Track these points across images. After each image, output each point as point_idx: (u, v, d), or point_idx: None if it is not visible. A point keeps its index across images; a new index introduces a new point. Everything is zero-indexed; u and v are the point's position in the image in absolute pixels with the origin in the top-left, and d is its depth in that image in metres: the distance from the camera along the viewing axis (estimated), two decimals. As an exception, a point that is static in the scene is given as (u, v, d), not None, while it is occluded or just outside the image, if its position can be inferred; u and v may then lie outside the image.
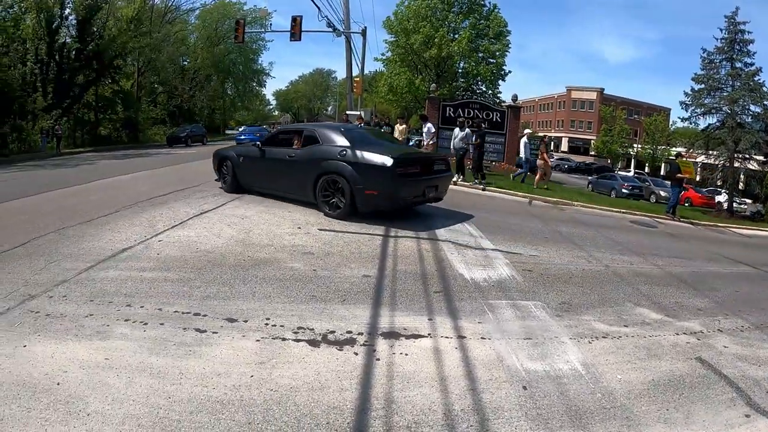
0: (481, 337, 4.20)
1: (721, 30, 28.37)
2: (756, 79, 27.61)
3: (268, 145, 9.38)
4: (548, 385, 3.51)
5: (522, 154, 17.85)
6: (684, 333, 4.82)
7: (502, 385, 3.46)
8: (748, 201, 28.53)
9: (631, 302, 5.60)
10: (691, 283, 6.79)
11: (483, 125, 17.89)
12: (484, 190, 14.42)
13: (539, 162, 16.90)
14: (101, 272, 5.18)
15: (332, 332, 4.05)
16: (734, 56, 28.08)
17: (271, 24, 52.22)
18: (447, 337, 4.13)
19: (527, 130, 22.02)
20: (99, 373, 3.28)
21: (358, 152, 7.91)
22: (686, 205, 17.69)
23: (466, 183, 14.95)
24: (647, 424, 3.16)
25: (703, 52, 29.13)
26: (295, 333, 3.99)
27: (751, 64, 27.89)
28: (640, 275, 6.88)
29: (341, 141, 8.26)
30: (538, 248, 7.57)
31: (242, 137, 34.16)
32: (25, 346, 3.59)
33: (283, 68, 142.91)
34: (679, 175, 15.61)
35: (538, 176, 16.71)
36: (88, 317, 4.11)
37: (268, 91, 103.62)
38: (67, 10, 30.53)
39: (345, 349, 3.78)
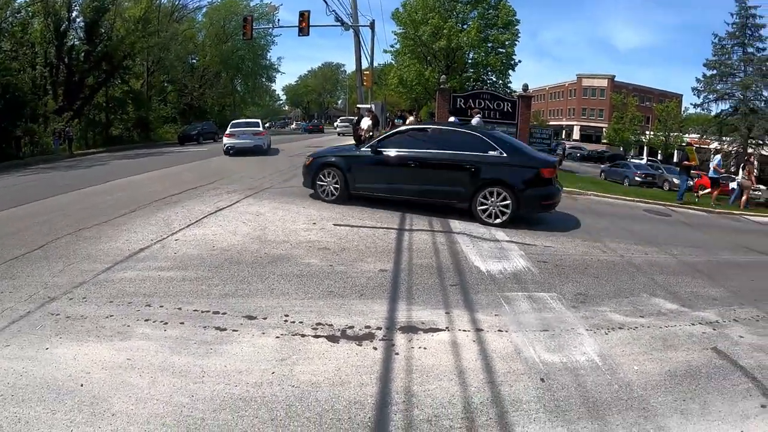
0: (498, 330, 4.24)
1: (732, 15, 28.06)
2: (769, 64, 27.31)
3: None
4: (566, 377, 3.55)
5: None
6: (700, 323, 4.82)
7: (520, 377, 3.50)
8: (762, 187, 28.07)
9: (647, 293, 5.60)
10: (707, 273, 6.75)
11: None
12: None
13: (746, 182, 16.49)
14: (119, 273, 5.25)
15: (351, 327, 4.10)
16: (746, 41, 27.81)
17: (278, 19, 52.24)
18: (464, 330, 4.17)
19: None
20: (121, 373, 3.33)
21: None
22: (699, 192, 17.49)
23: None
24: (664, 415, 3.18)
25: (715, 38, 28.89)
26: (314, 329, 4.05)
27: (764, 49, 27.61)
28: (655, 265, 6.86)
29: None
30: (552, 239, 7.57)
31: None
32: (47, 348, 3.65)
33: (292, 63, 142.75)
34: (685, 162, 15.60)
35: (744, 198, 16.20)
36: (108, 318, 4.17)
37: (278, 86, 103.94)
38: (75, 13, 30.67)
39: (364, 344, 3.84)
